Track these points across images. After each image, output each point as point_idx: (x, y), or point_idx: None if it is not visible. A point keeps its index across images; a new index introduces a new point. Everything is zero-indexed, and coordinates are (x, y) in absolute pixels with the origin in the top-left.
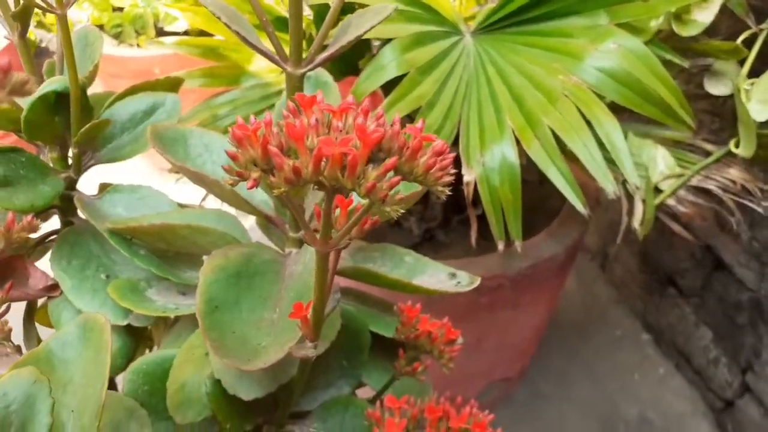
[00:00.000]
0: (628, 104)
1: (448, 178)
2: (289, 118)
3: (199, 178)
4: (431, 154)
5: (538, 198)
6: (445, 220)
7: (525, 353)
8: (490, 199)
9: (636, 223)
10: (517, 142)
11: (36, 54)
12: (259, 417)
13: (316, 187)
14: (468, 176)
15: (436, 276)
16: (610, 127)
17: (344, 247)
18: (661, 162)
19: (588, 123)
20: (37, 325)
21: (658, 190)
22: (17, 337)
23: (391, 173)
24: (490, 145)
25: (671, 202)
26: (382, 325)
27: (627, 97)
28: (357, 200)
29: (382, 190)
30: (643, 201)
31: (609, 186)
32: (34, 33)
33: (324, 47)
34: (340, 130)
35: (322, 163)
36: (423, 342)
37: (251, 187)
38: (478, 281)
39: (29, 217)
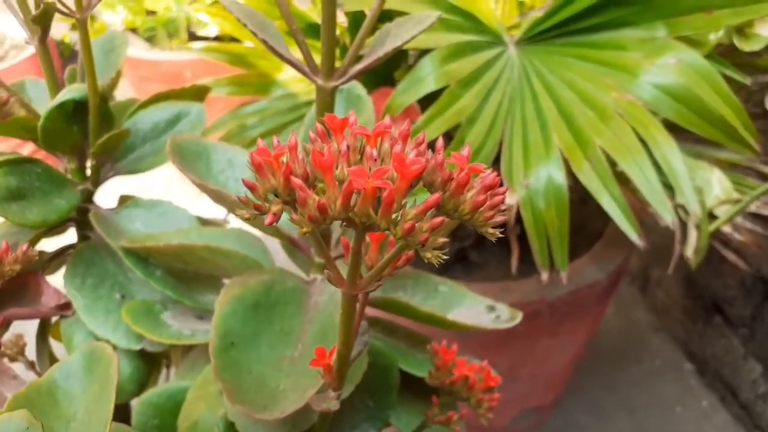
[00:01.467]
0: (686, 124)
1: (500, 218)
2: (317, 143)
3: (219, 197)
4: (480, 188)
5: (579, 218)
6: (478, 239)
7: (560, 381)
8: (534, 223)
9: (689, 252)
10: (565, 163)
11: (71, 58)
12: None
13: (343, 224)
14: (510, 199)
15: (474, 309)
16: (668, 150)
17: (374, 289)
18: (717, 186)
19: (643, 144)
20: (53, 340)
21: (712, 216)
22: (33, 350)
23: (433, 211)
24: (536, 165)
25: (726, 229)
26: (414, 363)
27: (685, 117)
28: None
29: (422, 232)
30: (697, 227)
31: (667, 215)
32: (69, 36)
33: (359, 58)
34: (375, 159)
35: (353, 197)
36: (459, 388)
37: (270, 223)
38: (519, 317)
39: (24, 247)
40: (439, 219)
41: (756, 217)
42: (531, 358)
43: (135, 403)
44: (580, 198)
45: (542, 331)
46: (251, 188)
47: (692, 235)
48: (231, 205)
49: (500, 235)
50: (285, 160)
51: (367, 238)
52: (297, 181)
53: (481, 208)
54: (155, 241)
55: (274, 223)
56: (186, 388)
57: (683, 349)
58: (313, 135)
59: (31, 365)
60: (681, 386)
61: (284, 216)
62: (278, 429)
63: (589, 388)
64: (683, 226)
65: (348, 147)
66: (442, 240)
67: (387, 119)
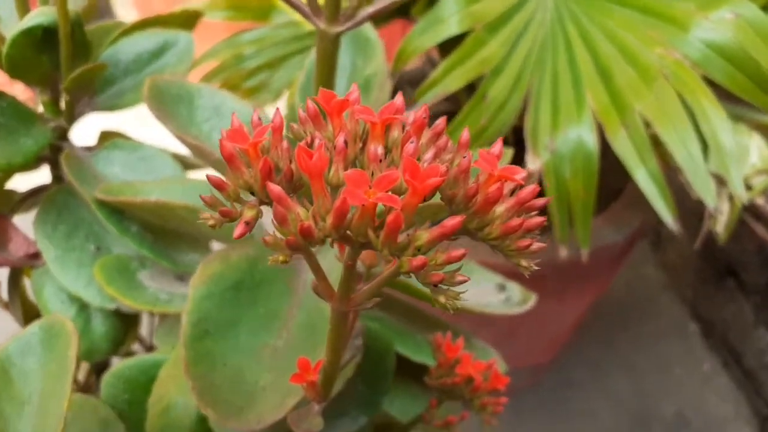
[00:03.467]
0: (737, 90)
1: (537, 247)
2: (307, 125)
3: (201, 153)
4: (513, 205)
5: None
6: None
7: (560, 341)
8: (557, 193)
9: (720, 228)
10: (598, 127)
11: None
12: None
13: (333, 242)
14: (533, 164)
15: (482, 287)
16: (718, 123)
17: (369, 307)
18: (755, 153)
19: (688, 112)
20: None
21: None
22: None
23: None
24: (565, 126)
25: (760, 201)
26: (411, 346)
27: (737, 82)
28: None
29: (436, 268)
30: (730, 199)
31: (710, 199)
32: None
33: None
34: (380, 159)
35: (346, 220)
36: (462, 390)
37: (240, 236)
38: (532, 301)
39: None
40: (459, 252)
41: None
42: (533, 319)
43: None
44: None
45: (548, 293)
46: (219, 187)
47: (724, 209)
48: (215, 164)
49: (535, 268)
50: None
51: None
52: (276, 189)
53: (515, 234)
54: (132, 195)
55: (246, 234)
56: (161, 362)
57: (690, 309)
58: (303, 114)
59: (4, 305)
60: (683, 347)
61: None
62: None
63: (588, 345)
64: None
65: (345, 143)
66: (460, 278)
67: (399, 98)
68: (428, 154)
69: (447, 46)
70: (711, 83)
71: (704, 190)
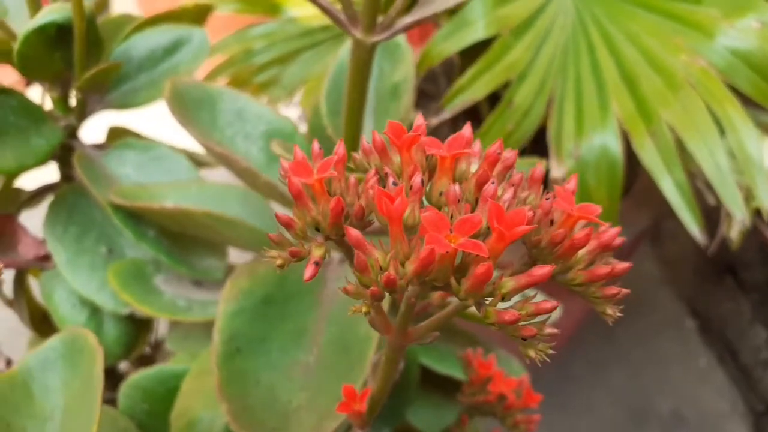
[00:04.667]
0: (762, 99)
1: (623, 293)
2: (365, 161)
3: (227, 161)
4: (595, 248)
5: None
6: None
7: (562, 338)
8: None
9: (733, 233)
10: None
11: None
12: None
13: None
14: (557, 171)
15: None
16: (745, 133)
17: (428, 342)
18: (767, 156)
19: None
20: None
21: None
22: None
23: None
24: (589, 133)
25: None
26: (435, 357)
27: (762, 91)
28: None
29: (526, 318)
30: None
31: (738, 211)
32: None
33: (409, 7)
34: (457, 200)
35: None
36: (494, 408)
37: (312, 276)
38: (558, 312)
39: None
40: (550, 304)
41: None
42: None
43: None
44: None
45: (553, 291)
46: (287, 225)
47: (738, 216)
48: (241, 173)
49: (618, 315)
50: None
51: None
52: (355, 234)
53: (600, 281)
54: (148, 200)
55: (316, 275)
56: (179, 373)
57: (688, 306)
58: (367, 146)
59: (9, 303)
60: (681, 343)
61: None
62: None
63: (587, 340)
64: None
65: (422, 182)
66: (551, 331)
67: (467, 129)
68: (507, 195)
69: (465, 50)
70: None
71: (732, 201)
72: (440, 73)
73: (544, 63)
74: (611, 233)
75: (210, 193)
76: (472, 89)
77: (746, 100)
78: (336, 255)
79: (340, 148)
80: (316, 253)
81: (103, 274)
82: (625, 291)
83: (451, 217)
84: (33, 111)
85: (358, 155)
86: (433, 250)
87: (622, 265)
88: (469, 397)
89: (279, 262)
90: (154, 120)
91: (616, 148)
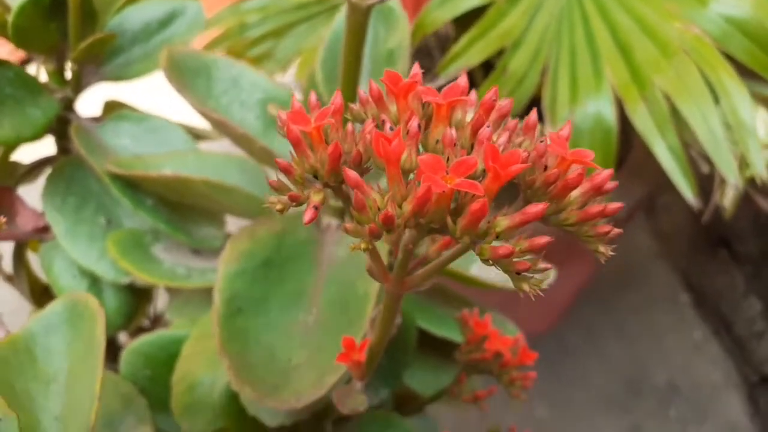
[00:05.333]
0: (756, 66)
1: (616, 232)
2: (362, 110)
3: (224, 128)
4: (588, 190)
5: None
6: None
7: (560, 310)
8: None
9: (726, 202)
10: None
11: None
12: None
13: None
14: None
15: None
16: (739, 99)
17: (424, 288)
18: (761, 127)
19: (709, 88)
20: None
21: None
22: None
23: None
24: (584, 99)
25: (763, 174)
26: (432, 320)
27: (756, 58)
28: None
29: (520, 254)
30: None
31: (731, 175)
32: None
33: None
34: (454, 143)
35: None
36: (490, 365)
37: (311, 220)
38: (553, 275)
39: None
40: (543, 240)
41: None
42: None
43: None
44: None
45: (550, 261)
46: (286, 171)
47: (731, 185)
48: (237, 139)
49: (610, 254)
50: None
51: None
52: (352, 174)
53: (592, 219)
54: (146, 168)
55: (315, 219)
56: (180, 338)
57: (682, 279)
58: (364, 95)
59: (9, 278)
60: (675, 316)
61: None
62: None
63: (583, 313)
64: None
65: (419, 126)
66: (545, 266)
67: (463, 79)
68: (502, 138)
69: (460, 21)
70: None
71: (725, 165)
72: (435, 47)
73: (538, 31)
74: (604, 174)
75: (208, 162)
76: (466, 56)
77: (741, 71)
78: (334, 221)
79: (337, 97)
80: (315, 198)
81: (102, 244)
82: (617, 230)
83: (448, 160)
84: (29, 83)
85: (355, 106)
86: (430, 188)
87: (614, 205)
88: (466, 356)
89: (278, 207)
90: (150, 97)
91: (610, 115)
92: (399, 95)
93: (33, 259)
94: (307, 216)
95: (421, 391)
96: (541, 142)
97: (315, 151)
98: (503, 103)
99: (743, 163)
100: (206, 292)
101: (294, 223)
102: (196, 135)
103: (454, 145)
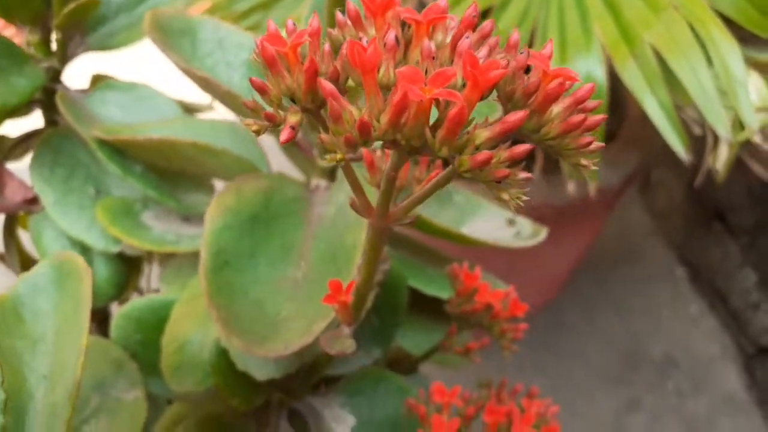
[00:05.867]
0: (747, 23)
1: (597, 146)
2: (347, 29)
3: (208, 86)
4: (570, 105)
5: None
6: None
7: (556, 285)
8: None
9: (719, 164)
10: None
11: None
12: (272, 392)
13: (384, 144)
14: None
15: (491, 222)
16: (728, 52)
17: (407, 223)
18: (753, 91)
19: (699, 43)
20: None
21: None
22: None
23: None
24: (574, 59)
25: (756, 138)
26: (423, 279)
27: (746, 13)
28: None
29: (499, 164)
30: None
31: (722, 128)
32: None
33: None
34: (432, 56)
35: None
36: (481, 317)
37: (288, 140)
38: (543, 234)
39: None
40: (523, 147)
41: None
42: (530, 261)
43: (114, 316)
44: None
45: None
46: (261, 91)
47: (723, 146)
48: (222, 96)
49: (592, 168)
50: (305, 52)
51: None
52: (328, 85)
53: (574, 132)
54: (133, 134)
55: (292, 140)
56: (171, 302)
57: (678, 254)
58: (342, 17)
59: (0, 257)
60: (671, 290)
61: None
62: (280, 361)
63: (580, 288)
64: (714, 135)
65: (396, 38)
66: (524, 175)
67: (443, 1)
68: (482, 51)
69: None
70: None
71: (716, 118)
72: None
73: None
74: (586, 88)
75: (196, 127)
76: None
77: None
78: (323, 182)
79: (314, 20)
80: (292, 118)
81: (92, 214)
82: (599, 144)
83: (426, 72)
84: (14, 52)
85: (333, 31)
86: (407, 95)
87: (596, 118)
88: (457, 308)
89: (254, 128)
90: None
91: (600, 73)
92: (377, 13)
93: (24, 237)
94: (284, 135)
95: (413, 351)
96: (521, 53)
97: (291, 73)
98: (485, 24)
99: (736, 126)
100: (196, 259)
101: (281, 181)
102: (187, 108)
103: (433, 58)
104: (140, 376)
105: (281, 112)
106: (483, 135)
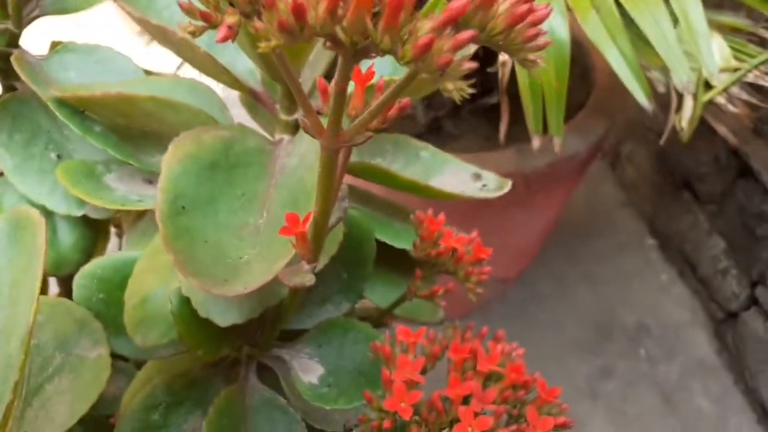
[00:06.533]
0: None
1: (543, 41)
2: None
3: (164, 36)
4: (516, 1)
5: None
6: (454, 108)
7: (527, 255)
8: (530, 84)
9: (684, 122)
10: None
11: None
12: (238, 341)
13: (327, 44)
14: (504, 55)
15: (458, 176)
16: (690, 6)
17: (361, 143)
18: (716, 52)
19: None
20: None
21: (707, 85)
22: None
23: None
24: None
25: (721, 99)
26: (391, 233)
27: None
28: (379, 74)
29: (443, 52)
30: (693, 96)
31: (683, 75)
32: None
33: None
34: None
35: (341, 4)
36: (446, 261)
37: (225, 39)
38: (508, 186)
39: None
40: (466, 34)
41: (753, 87)
42: (501, 229)
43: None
44: None
45: (515, 203)
46: None
47: (688, 104)
48: (179, 46)
49: (541, 64)
50: None
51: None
52: None
53: (520, 26)
54: (90, 91)
55: (229, 40)
56: (134, 259)
57: (648, 224)
58: None
59: None
60: (642, 260)
61: (245, 64)
62: (241, 305)
63: (552, 261)
64: (678, 95)
65: None
66: (468, 65)
67: None
68: None
69: None
70: None
71: (678, 67)
72: None
73: None
74: None
75: (156, 84)
76: None
77: None
78: (286, 136)
79: None
80: (229, 19)
81: (53, 179)
82: (545, 41)
83: None
84: None
85: None
86: None
87: (543, 11)
88: (421, 252)
89: (190, 29)
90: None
91: (563, 29)
92: None
93: None
94: (220, 34)
95: (381, 304)
96: None
97: None
98: None
99: (700, 87)
100: None
101: (243, 131)
102: (147, 74)
103: None
104: (104, 334)
105: (218, 15)
106: (426, 26)
